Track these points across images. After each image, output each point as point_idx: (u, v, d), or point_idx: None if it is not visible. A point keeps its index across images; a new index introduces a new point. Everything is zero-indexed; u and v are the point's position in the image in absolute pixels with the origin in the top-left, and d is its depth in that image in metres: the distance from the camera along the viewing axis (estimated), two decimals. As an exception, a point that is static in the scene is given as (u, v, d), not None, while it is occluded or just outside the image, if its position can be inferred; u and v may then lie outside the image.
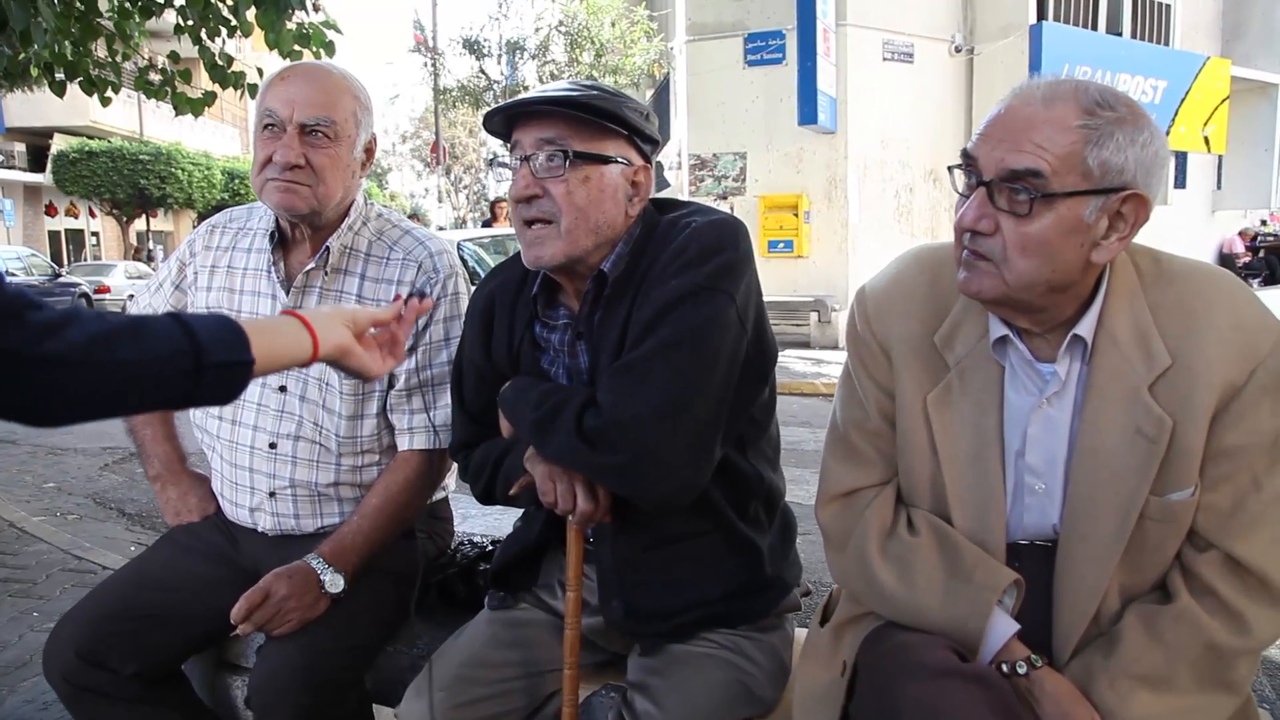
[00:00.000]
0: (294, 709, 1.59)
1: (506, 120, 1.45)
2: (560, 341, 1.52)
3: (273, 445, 1.82)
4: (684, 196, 12.10)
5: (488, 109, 1.46)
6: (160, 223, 30.94)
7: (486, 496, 1.58)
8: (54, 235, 29.28)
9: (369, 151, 1.84)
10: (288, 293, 1.82)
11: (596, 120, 1.39)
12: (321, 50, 4.66)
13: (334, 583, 1.67)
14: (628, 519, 1.45)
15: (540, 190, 1.40)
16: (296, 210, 1.73)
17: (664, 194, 3.91)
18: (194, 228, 2.11)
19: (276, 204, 1.73)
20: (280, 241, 1.86)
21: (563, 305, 1.54)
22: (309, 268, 1.81)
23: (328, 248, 1.80)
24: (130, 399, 1.05)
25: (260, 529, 1.86)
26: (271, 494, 1.83)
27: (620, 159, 1.44)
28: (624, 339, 1.40)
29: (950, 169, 1.27)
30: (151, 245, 29.63)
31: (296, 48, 4.61)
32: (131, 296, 8.32)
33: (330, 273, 1.82)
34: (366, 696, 1.77)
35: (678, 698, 1.42)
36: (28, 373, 0.95)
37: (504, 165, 1.47)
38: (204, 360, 1.05)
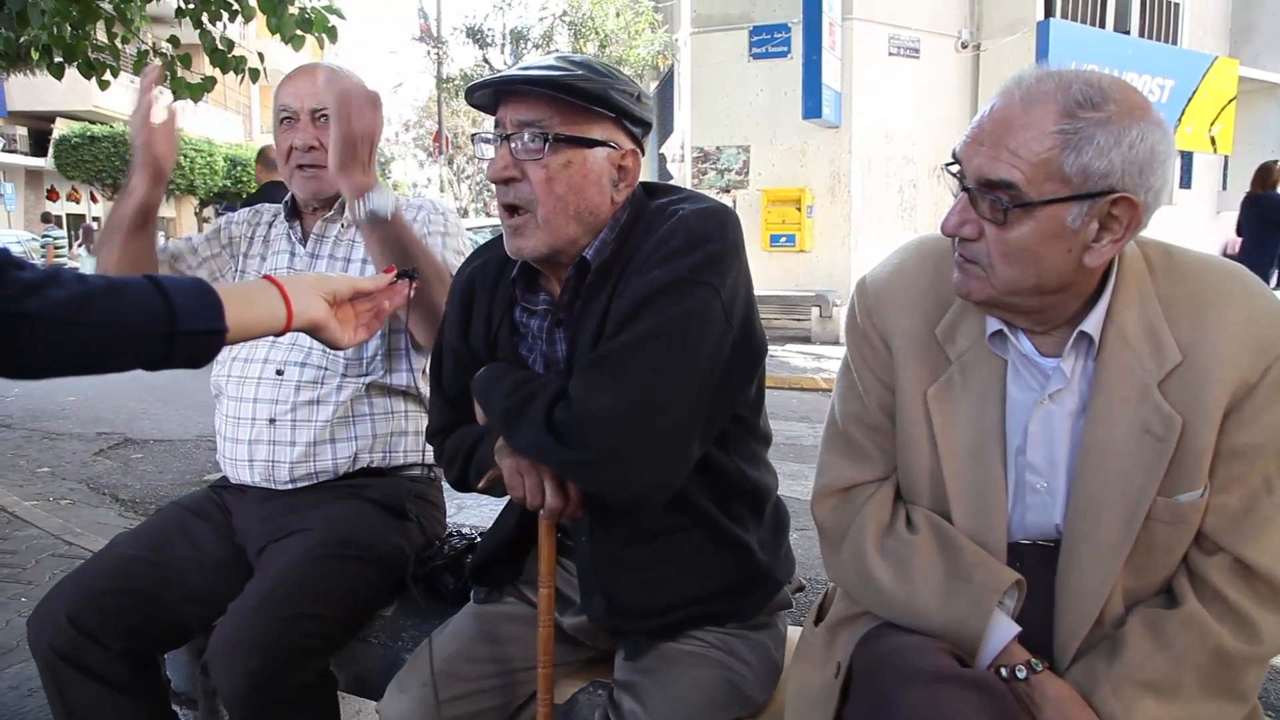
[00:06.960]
0: (245, 672, 1.55)
1: (494, 94, 1.39)
2: (539, 328, 1.46)
3: (280, 372, 1.92)
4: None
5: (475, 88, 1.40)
6: (161, 209, 30.86)
7: (461, 484, 1.53)
8: (55, 220, 29.24)
9: None
10: (304, 242, 2.03)
11: (581, 103, 1.33)
12: (324, 35, 4.61)
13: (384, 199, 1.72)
14: (604, 513, 1.40)
15: (518, 173, 1.34)
16: (324, 194, 1.99)
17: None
18: (195, 214, 2.26)
19: (307, 193, 1.99)
20: (295, 213, 2.09)
21: (544, 290, 1.48)
22: (326, 216, 2.02)
23: (343, 202, 1.89)
24: (104, 359, 1.09)
25: (251, 481, 1.91)
26: (271, 420, 1.89)
27: (608, 143, 1.37)
28: (602, 329, 1.33)
29: (944, 168, 1.23)
30: (153, 231, 29.56)
31: (299, 32, 4.55)
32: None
33: (345, 225, 2.01)
34: (330, 678, 1.74)
35: (664, 697, 1.38)
36: (8, 328, 1.00)
37: (486, 141, 1.39)
38: (178, 327, 1.10)
